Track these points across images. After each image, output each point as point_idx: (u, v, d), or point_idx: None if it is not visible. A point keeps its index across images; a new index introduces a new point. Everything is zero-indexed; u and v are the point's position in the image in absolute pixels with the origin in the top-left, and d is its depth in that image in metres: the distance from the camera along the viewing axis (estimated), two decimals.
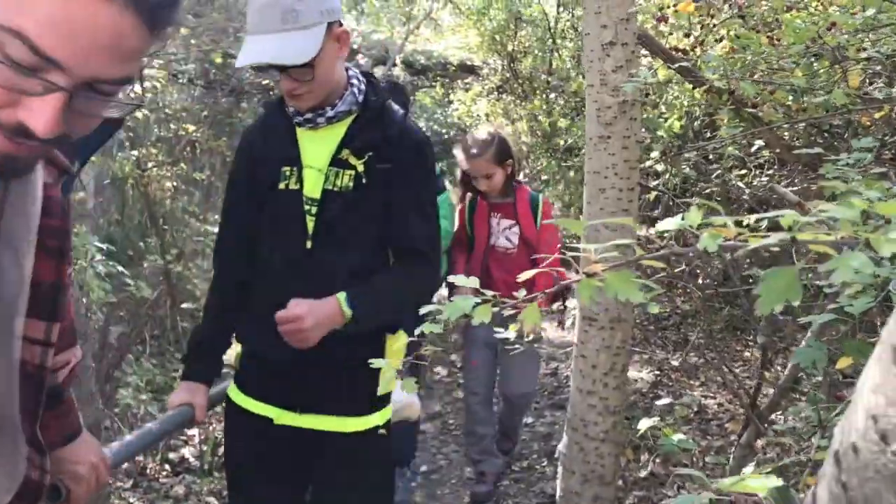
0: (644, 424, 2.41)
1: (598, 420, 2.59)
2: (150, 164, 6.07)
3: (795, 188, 3.24)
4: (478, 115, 9.46)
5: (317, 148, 2.07)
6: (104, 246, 3.20)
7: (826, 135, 3.35)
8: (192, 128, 6.24)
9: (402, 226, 2.06)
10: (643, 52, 3.57)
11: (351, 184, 2.02)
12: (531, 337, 3.30)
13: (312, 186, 2.05)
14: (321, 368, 2.04)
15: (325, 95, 2.01)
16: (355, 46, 9.69)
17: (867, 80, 2.88)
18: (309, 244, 2.04)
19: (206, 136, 6.42)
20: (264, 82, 6.61)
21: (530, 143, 8.10)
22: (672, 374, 5.35)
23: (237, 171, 2.22)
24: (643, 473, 4.07)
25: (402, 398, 2.44)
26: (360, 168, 2.02)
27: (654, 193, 4.33)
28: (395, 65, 9.11)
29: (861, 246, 0.61)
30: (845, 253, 0.60)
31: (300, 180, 2.06)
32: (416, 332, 1.20)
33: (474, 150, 3.59)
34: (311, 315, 1.90)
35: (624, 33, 2.43)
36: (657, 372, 5.37)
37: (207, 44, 5.29)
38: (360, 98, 2.07)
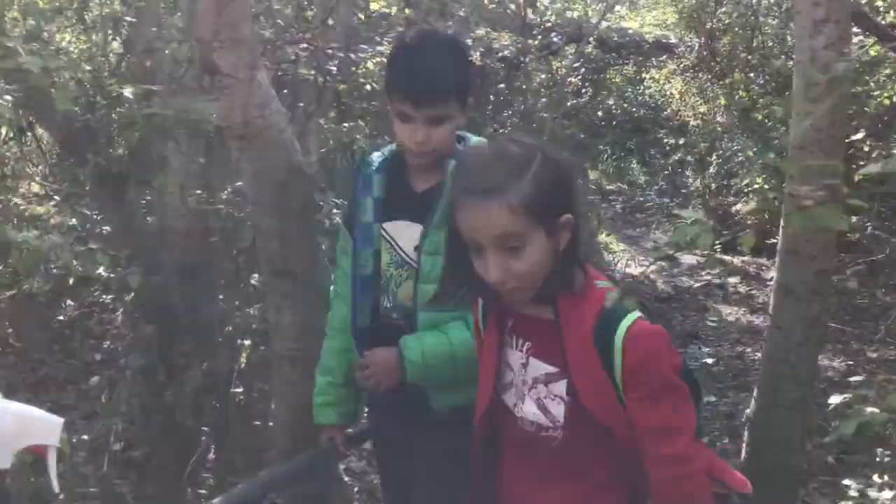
0: (835, 399, 2.46)
1: (787, 388, 2.66)
2: (357, 137, 6.54)
3: None
4: (670, 94, 9.35)
5: None
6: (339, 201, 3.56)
7: None
8: None
9: None
10: (854, 28, 3.50)
11: None
12: None
13: None
14: None
15: None
16: (549, 24, 9.82)
17: None
18: None
19: None
20: None
21: (725, 123, 7.93)
22: (866, 365, 5.19)
23: None
24: (830, 459, 4.03)
25: None
26: None
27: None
28: (588, 43, 9.15)
29: None
30: None
31: None
32: None
33: (483, 180, 1.44)
34: None
35: (837, 10, 2.45)
36: (850, 362, 5.21)
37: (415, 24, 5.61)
38: None
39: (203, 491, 3.57)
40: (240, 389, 3.72)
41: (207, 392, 3.59)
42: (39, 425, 1.31)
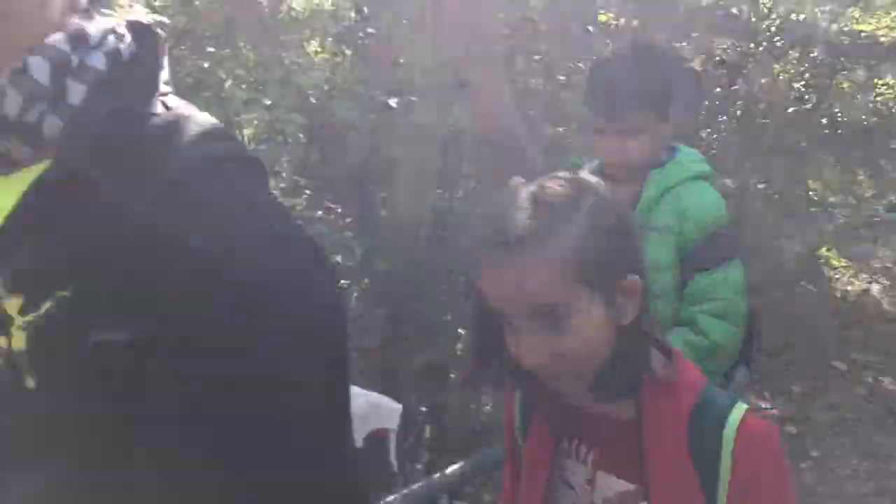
0: None
1: None
2: (569, 141, 6.69)
3: None
4: None
5: None
6: None
7: None
8: None
9: None
10: None
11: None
12: None
13: None
14: None
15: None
16: (773, 28, 9.41)
17: None
18: None
19: None
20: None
21: None
22: None
23: None
24: None
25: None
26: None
27: None
28: (815, 47, 8.70)
29: None
30: None
31: None
32: None
33: (510, 227, 1.01)
34: None
35: None
36: None
37: None
38: (80, 84, 0.73)
39: (418, 466, 3.87)
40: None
41: (429, 376, 3.89)
42: (384, 410, 1.45)
